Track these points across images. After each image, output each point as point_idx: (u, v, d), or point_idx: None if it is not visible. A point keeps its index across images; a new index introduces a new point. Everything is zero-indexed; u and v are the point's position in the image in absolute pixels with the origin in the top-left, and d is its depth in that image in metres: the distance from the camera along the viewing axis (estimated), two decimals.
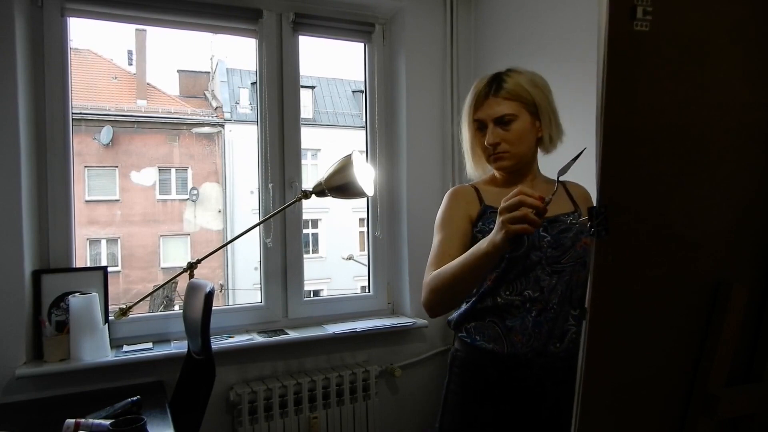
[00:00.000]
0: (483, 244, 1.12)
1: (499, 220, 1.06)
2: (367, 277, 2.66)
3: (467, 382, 1.33)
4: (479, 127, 1.32)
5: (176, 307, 4.76)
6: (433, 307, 1.27)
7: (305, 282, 2.45)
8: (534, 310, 1.25)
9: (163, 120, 7.25)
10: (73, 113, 2.08)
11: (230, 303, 7.81)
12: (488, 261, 1.13)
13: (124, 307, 1.94)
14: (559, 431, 1.22)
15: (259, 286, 2.42)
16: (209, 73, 8.04)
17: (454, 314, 1.39)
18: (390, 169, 2.60)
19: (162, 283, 2.42)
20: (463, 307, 1.35)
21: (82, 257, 6.14)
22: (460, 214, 1.33)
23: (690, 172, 0.78)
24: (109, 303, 2.05)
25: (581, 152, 1.05)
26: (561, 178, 1.42)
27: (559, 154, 1.48)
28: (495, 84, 1.30)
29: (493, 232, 1.09)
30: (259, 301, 2.40)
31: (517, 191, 1.05)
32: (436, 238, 1.33)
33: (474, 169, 1.40)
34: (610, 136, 0.69)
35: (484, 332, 1.29)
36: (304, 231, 2.48)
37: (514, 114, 1.29)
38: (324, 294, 6.65)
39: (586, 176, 1.20)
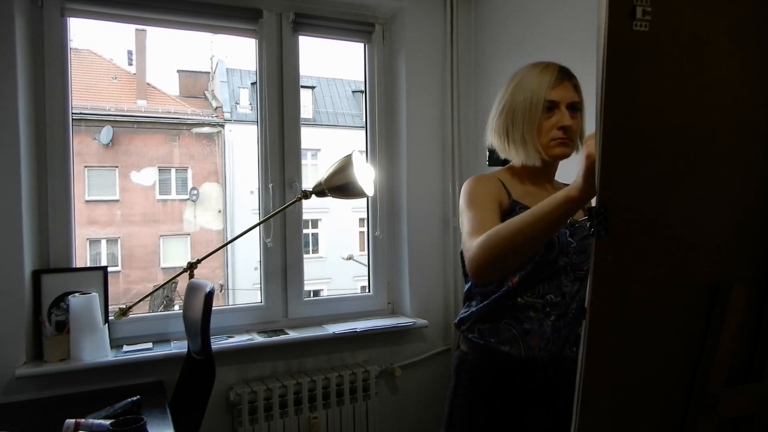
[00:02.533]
0: (560, 193, 0.98)
1: (586, 158, 0.89)
2: (367, 277, 2.66)
3: (477, 386, 1.29)
4: (547, 108, 1.24)
5: (176, 307, 4.76)
6: (484, 268, 1.09)
7: (305, 282, 2.45)
8: (553, 315, 1.23)
9: (163, 120, 7.25)
10: (73, 113, 2.08)
11: (230, 303, 7.82)
12: (568, 211, 0.97)
13: (124, 307, 1.93)
14: None
15: (259, 286, 2.42)
16: (209, 73, 8.05)
17: (466, 313, 1.33)
18: (390, 169, 2.60)
19: (162, 283, 2.42)
20: (477, 306, 1.30)
21: (82, 257, 6.15)
22: (492, 195, 1.25)
23: (690, 172, 0.78)
24: (109, 303, 2.05)
25: None
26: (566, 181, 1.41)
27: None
28: (564, 69, 1.27)
29: (577, 179, 0.93)
30: (259, 301, 2.40)
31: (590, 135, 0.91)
32: (471, 212, 1.21)
33: (511, 151, 1.28)
34: (609, 136, 0.69)
35: (500, 334, 1.26)
36: (304, 231, 2.48)
37: (582, 103, 1.27)
38: (324, 294, 6.65)
39: None
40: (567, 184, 1.41)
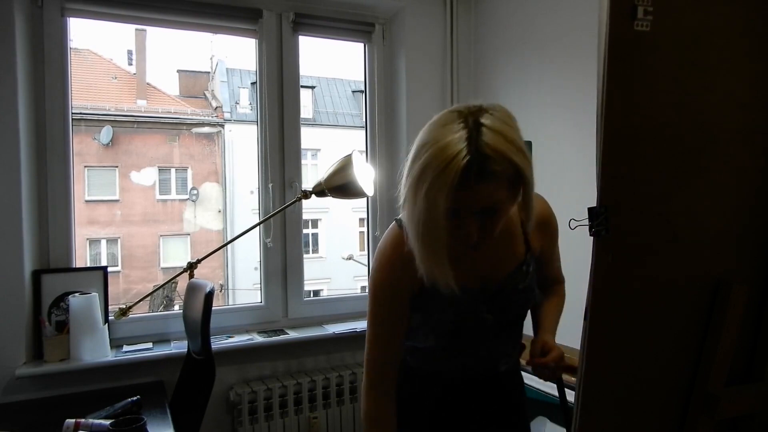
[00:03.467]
0: None
1: None
2: (367, 277, 2.65)
3: (409, 390, 1.22)
4: (450, 214, 0.93)
5: (176, 307, 4.76)
6: None
7: (305, 282, 2.45)
8: (465, 368, 1.17)
9: (163, 120, 7.26)
10: (73, 113, 2.08)
11: (230, 303, 7.82)
12: None
13: (124, 307, 1.94)
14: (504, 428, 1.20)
15: (259, 286, 2.42)
16: (209, 73, 8.05)
17: None
18: (390, 169, 2.59)
19: (162, 283, 2.43)
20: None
21: (82, 257, 6.15)
22: (401, 295, 1.10)
23: (690, 172, 0.78)
24: (109, 303, 2.05)
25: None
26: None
27: (556, 159, 1.46)
28: (477, 163, 0.88)
29: None
30: (259, 301, 2.40)
31: None
32: (376, 318, 1.15)
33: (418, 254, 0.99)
34: (610, 136, 0.69)
35: (417, 359, 1.21)
36: (304, 231, 2.47)
37: (502, 200, 0.94)
38: (324, 294, 6.65)
39: (586, 176, 1.20)
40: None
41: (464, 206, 0.93)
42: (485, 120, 0.92)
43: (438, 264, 0.96)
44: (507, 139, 0.91)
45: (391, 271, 1.09)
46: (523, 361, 1.23)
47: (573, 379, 1.12)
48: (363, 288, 2.73)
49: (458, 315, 1.09)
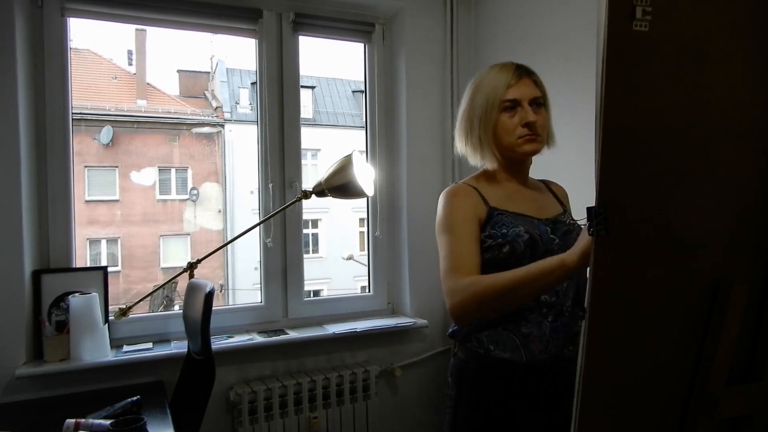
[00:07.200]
0: (554, 259, 1.05)
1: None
2: (367, 277, 2.66)
3: (480, 394, 1.27)
4: (508, 107, 1.25)
5: (176, 307, 4.76)
6: (470, 314, 1.19)
7: (305, 282, 2.45)
8: (550, 315, 1.22)
9: (163, 120, 7.25)
10: (73, 113, 2.08)
11: (230, 303, 7.82)
12: (560, 278, 1.06)
13: (124, 307, 1.94)
14: None
15: (259, 286, 2.42)
16: (209, 73, 8.04)
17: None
18: (390, 169, 2.60)
19: (162, 283, 2.42)
20: None
21: (82, 257, 6.15)
22: (469, 215, 1.25)
23: (689, 172, 0.78)
24: (109, 303, 2.05)
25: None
26: (542, 178, 1.46)
27: (556, 159, 1.48)
28: (523, 68, 1.29)
29: (575, 248, 1.02)
30: (259, 301, 2.40)
31: None
32: (448, 241, 1.23)
33: (470, 155, 1.32)
34: (609, 136, 0.69)
35: (499, 341, 1.24)
36: (304, 231, 2.47)
37: (544, 97, 1.29)
38: (324, 294, 6.65)
39: (586, 176, 1.20)
40: (542, 181, 1.40)
41: (519, 95, 1.24)
42: None
43: (486, 136, 1.27)
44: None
45: (455, 200, 1.28)
46: None
47: None
48: (363, 288, 2.74)
49: (528, 226, 1.24)
